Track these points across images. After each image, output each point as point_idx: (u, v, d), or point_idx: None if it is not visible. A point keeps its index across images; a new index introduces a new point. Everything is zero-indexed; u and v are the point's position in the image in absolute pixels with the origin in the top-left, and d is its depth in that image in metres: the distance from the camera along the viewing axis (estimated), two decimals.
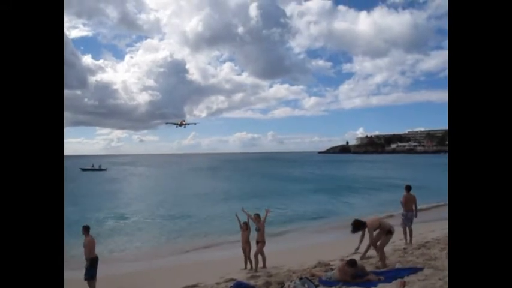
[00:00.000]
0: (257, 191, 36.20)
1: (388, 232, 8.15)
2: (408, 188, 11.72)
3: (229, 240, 15.29)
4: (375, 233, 8.15)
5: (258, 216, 9.97)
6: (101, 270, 8.80)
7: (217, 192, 36.56)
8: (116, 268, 12.08)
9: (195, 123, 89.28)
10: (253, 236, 10.08)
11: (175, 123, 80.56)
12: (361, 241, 8.32)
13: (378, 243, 8.16)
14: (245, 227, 10.10)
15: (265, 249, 10.04)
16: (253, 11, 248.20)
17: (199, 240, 16.81)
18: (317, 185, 41.76)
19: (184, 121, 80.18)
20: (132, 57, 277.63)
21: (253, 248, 10.04)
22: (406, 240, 11.72)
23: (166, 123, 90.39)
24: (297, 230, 18.37)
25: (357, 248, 8.54)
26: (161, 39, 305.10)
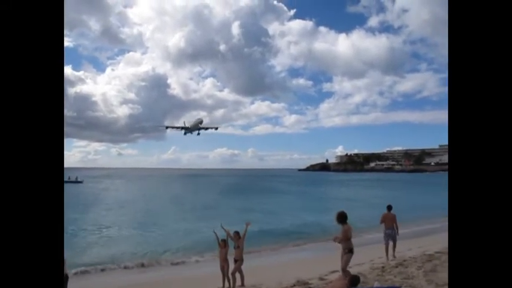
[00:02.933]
0: (236, 206, 35.91)
1: (350, 251, 8.26)
2: (389, 208, 12.41)
3: (206, 258, 15.03)
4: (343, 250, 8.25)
5: (237, 233, 9.83)
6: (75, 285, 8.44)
7: (194, 207, 36.06)
8: (92, 282, 11.63)
9: (216, 128, 73.20)
10: (232, 253, 9.92)
11: (184, 128, 67.09)
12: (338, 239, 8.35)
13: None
14: (223, 245, 9.93)
15: (243, 266, 9.87)
16: (235, 29, 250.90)
17: (175, 256, 16.44)
18: (296, 201, 41.79)
19: (200, 123, 66.23)
20: (113, 70, 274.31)
21: (232, 266, 9.86)
22: (387, 257, 12.13)
23: (167, 128, 74.21)
24: (275, 246, 18.23)
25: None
26: (143, 53, 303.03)
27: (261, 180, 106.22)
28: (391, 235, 12.23)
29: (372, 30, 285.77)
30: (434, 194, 52.59)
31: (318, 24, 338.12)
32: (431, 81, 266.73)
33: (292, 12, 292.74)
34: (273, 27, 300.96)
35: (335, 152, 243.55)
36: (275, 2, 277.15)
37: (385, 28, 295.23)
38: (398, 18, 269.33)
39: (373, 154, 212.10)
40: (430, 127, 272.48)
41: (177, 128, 69.45)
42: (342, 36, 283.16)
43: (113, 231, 22.76)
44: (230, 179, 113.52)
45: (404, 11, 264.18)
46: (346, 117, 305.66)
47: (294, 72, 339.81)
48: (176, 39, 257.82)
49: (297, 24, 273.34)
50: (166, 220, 26.88)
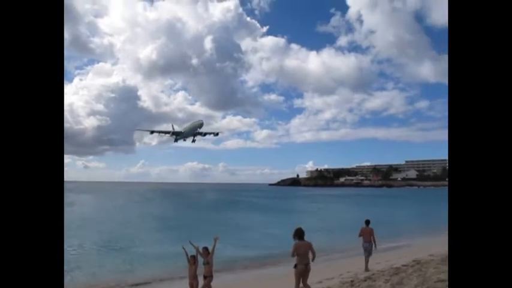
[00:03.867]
0: (205, 221, 35.37)
1: (305, 266, 8.41)
2: (367, 222, 13.38)
3: (175, 275, 14.62)
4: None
5: (206, 249, 9.63)
6: None
7: (163, 222, 35.22)
8: None
9: (216, 134, 59.37)
10: (201, 270, 9.70)
11: (175, 133, 54.62)
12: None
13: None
14: (192, 261, 9.71)
15: (213, 283, 9.66)
16: (208, 43, 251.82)
17: (143, 274, 15.88)
18: (265, 216, 41.69)
19: (200, 126, 53.69)
20: (81, 80, 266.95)
21: (201, 283, 9.62)
22: (366, 268, 12.88)
23: (152, 132, 57.16)
24: (246, 262, 18.01)
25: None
26: (114, 64, 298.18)
27: (233, 194, 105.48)
28: (368, 248, 12.95)
29: (341, 49, 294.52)
30: (402, 207, 53.99)
31: (290, 41, 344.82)
32: (398, 100, 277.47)
33: (265, 29, 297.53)
34: (246, 43, 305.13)
35: (305, 167, 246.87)
36: (248, 19, 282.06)
37: (354, 48, 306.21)
38: (366, 38, 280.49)
39: (342, 169, 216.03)
40: (397, 143, 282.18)
41: (166, 132, 56.06)
42: (313, 54, 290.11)
43: (70, 255, 21.69)
44: (200, 193, 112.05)
45: (372, 32, 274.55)
46: (317, 132, 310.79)
47: (266, 88, 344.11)
48: (148, 51, 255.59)
49: (270, 41, 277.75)
50: (132, 238, 26.02)
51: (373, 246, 13.04)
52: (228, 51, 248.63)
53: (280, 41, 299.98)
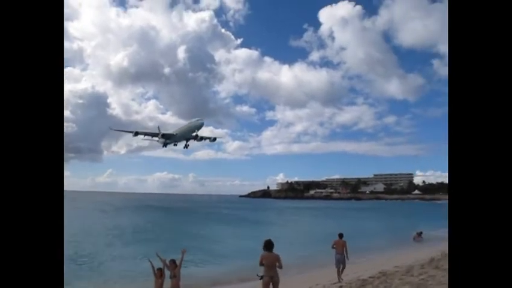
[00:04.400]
0: (174, 233, 34.66)
1: (270, 278, 8.36)
2: (340, 235, 13.95)
3: None
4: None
5: (173, 262, 9.38)
6: None
7: (129, 233, 34.22)
8: None
9: (214, 139, 50.09)
10: (168, 284, 9.43)
11: (165, 136, 46.21)
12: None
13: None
14: (159, 274, 9.43)
15: None
16: (181, 53, 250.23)
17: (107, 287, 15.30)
18: (236, 229, 41.37)
19: (199, 128, 44.21)
20: None
21: None
22: (339, 279, 13.35)
23: (136, 134, 46.40)
24: (215, 274, 17.71)
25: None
26: (83, 70, 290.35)
27: (202, 206, 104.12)
28: (341, 260, 13.53)
29: (313, 64, 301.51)
30: (370, 220, 55.06)
31: (263, 54, 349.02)
32: (367, 115, 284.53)
33: (239, 41, 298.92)
34: (219, 54, 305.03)
35: (276, 179, 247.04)
36: (223, 30, 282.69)
37: (325, 63, 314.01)
38: (337, 55, 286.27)
39: (312, 182, 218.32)
40: (365, 157, 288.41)
41: (153, 135, 47.26)
42: (285, 67, 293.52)
43: None
44: (169, 204, 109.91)
45: (343, 48, 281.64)
46: (288, 145, 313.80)
47: (238, 99, 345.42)
48: (119, 58, 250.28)
49: (243, 53, 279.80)
50: (96, 252, 25.08)
51: (346, 258, 13.59)
52: (201, 61, 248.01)
53: (254, 53, 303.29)
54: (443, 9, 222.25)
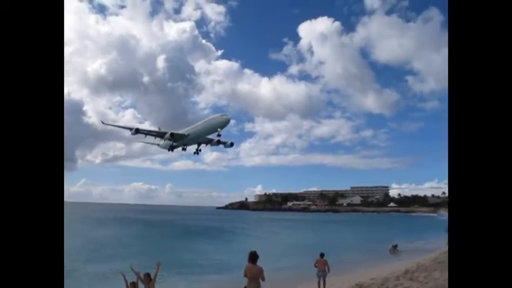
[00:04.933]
0: (149, 246, 33.86)
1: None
2: (321, 255, 15.48)
3: None
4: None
5: (148, 275, 9.08)
6: None
7: (102, 246, 33.19)
8: None
9: (231, 144, 40.85)
10: None
11: (175, 136, 36.23)
12: None
13: None
14: None
15: None
16: (161, 62, 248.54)
17: None
18: (213, 241, 40.84)
19: (222, 127, 33.20)
20: None
21: None
22: None
23: (137, 131, 36.23)
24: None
25: None
26: None
27: (179, 217, 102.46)
28: (323, 276, 15.28)
29: (292, 77, 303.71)
30: (347, 232, 55.47)
31: (243, 66, 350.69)
32: (344, 128, 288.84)
33: (220, 52, 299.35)
34: (200, 65, 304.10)
35: (254, 191, 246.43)
36: (203, 41, 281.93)
37: (304, 76, 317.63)
38: (316, 69, 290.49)
39: (290, 194, 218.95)
40: (343, 170, 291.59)
41: (158, 135, 37.60)
42: (265, 79, 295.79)
43: None
44: (146, 215, 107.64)
45: (321, 63, 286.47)
46: (266, 157, 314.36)
47: (217, 110, 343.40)
48: (97, 66, 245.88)
49: (223, 64, 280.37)
50: (70, 268, 24.15)
51: (327, 273, 15.23)
52: (180, 71, 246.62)
53: (234, 65, 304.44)
54: (417, 28, 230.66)
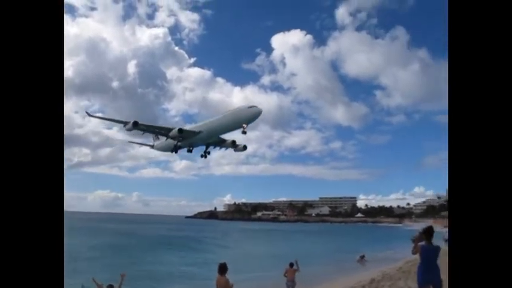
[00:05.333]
0: (113, 256, 32.72)
1: None
2: (291, 265, 15.36)
3: None
4: None
5: (111, 287, 8.75)
6: None
7: (70, 260, 31.72)
8: None
9: (244, 147, 34.01)
10: None
11: (183, 134, 29.48)
12: None
13: None
14: None
15: None
16: (131, 67, 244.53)
17: None
18: (180, 252, 40.08)
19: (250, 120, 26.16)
20: None
21: None
22: None
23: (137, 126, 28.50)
24: None
25: None
26: None
27: (146, 227, 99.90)
28: (292, 286, 15.20)
29: (264, 88, 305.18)
30: (316, 242, 55.94)
31: (216, 75, 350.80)
32: (314, 139, 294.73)
33: (192, 60, 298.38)
34: (171, 72, 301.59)
35: (224, 200, 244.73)
36: (176, 48, 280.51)
37: (276, 87, 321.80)
38: (288, 80, 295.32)
39: (260, 204, 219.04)
40: (312, 181, 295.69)
41: (162, 130, 30.99)
42: (237, 89, 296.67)
43: None
44: (111, 224, 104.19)
45: (293, 74, 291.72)
46: (236, 166, 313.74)
47: (188, 118, 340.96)
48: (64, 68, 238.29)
49: (196, 72, 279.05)
50: None
51: (294, 283, 15.05)
52: (151, 77, 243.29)
53: (206, 73, 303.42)
54: (385, 45, 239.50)
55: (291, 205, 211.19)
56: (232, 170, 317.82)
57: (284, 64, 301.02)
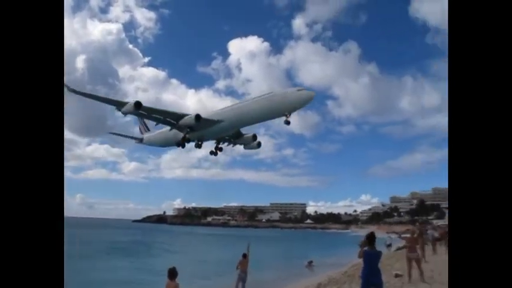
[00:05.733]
0: None
1: None
2: (244, 255, 16.56)
3: None
4: None
5: None
6: None
7: None
8: None
9: (258, 144, 28.98)
10: None
11: (197, 122, 22.95)
12: None
13: None
14: None
15: None
16: (80, 62, 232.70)
17: None
18: (126, 258, 38.76)
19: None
20: None
21: None
22: None
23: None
24: None
25: None
26: None
27: (88, 231, 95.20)
28: (244, 277, 15.91)
29: (218, 92, 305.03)
30: (266, 247, 56.50)
31: (170, 76, 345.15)
32: (267, 146, 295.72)
33: (147, 59, 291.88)
34: (124, 70, 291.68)
35: (173, 204, 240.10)
36: (130, 46, 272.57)
37: (230, 92, 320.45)
38: (243, 85, 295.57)
39: (210, 209, 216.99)
40: (264, 186, 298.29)
41: (173, 117, 24.35)
42: (191, 92, 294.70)
43: None
44: None
45: (248, 80, 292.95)
46: (187, 170, 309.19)
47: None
48: None
49: (150, 72, 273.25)
50: None
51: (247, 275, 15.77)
52: (102, 74, 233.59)
53: (161, 74, 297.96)
54: (338, 57, 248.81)
55: (242, 210, 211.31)
56: (183, 174, 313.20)
57: (240, 69, 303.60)
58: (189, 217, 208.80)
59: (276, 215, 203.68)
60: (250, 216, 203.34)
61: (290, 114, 20.42)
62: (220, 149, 28.02)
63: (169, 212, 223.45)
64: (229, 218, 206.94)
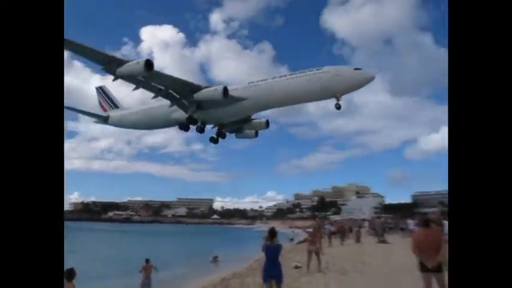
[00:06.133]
0: None
1: None
2: (147, 261, 16.20)
3: None
4: None
5: None
6: None
7: None
8: None
9: (256, 134, 26.40)
10: None
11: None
12: None
13: None
14: None
15: None
16: None
17: None
18: None
19: None
20: None
21: None
22: None
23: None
24: None
25: None
26: None
27: None
28: (148, 283, 15.76)
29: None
30: (170, 244, 55.36)
31: (73, 58, 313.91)
32: (176, 139, 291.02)
33: None
34: None
35: (70, 198, 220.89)
36: None
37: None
38: None
39: (112, 203, 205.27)
40: (171, 180, 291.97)
41: (182, 87, 19.94)
42: (97, 76, 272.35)
43: None
44: None
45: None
46: (88, 161, 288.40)
47: None
48: None
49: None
50: None
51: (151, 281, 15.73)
52: None
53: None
54: (252, 56, 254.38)
55: (147, 205, 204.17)
56: (83, 165, 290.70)
57: (152, 58, 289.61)
58: (88, 212, 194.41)
59: (182, 211, 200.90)
60: (155, 212, 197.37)
61: (338, 102, 17.43)
62: (224, 136, 23.78)
63: (65, 207, 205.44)
64: (132, 213, 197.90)
